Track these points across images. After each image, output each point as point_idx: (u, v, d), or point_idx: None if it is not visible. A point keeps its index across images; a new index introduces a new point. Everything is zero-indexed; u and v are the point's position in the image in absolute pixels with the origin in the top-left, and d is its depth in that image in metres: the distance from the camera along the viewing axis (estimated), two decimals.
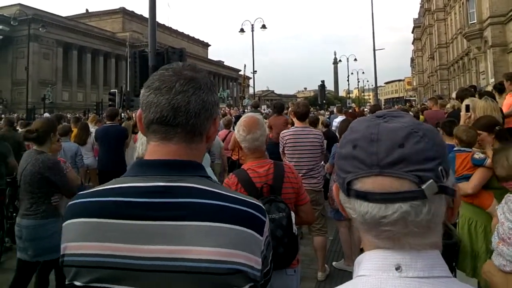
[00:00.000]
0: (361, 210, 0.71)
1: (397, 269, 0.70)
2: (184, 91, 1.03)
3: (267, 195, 2.43)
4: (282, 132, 5.11)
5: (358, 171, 0.72)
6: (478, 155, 3.16)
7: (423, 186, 0.68)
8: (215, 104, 1.10)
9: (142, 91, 1.08)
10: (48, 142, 3.81)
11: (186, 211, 0.96)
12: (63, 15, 59.83)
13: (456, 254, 3.16)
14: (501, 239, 2.16)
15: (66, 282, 1.01)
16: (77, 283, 0.98)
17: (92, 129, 8.58)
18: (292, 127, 5.10)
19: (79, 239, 0.99)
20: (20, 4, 46.02)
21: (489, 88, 9.33)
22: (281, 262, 2.35)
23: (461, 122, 4.09)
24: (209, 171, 4.72)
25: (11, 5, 46.30)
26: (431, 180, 0.68)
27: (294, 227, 2.42)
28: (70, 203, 1.06)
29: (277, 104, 7.95)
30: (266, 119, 9.77)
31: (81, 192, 1.08)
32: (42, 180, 3.57)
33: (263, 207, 1.07)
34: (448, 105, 7.71)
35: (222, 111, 23.40)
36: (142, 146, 3.15)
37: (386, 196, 0.69)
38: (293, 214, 2.44)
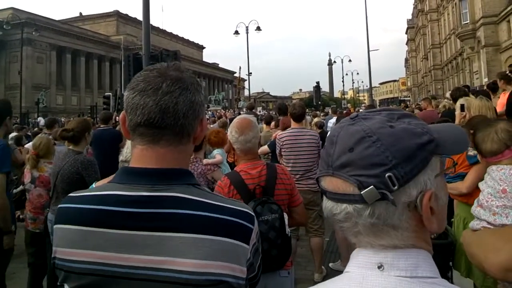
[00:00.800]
0: (324, 205, 0.78)
1: (379, 267, 0.72)
2: (171, 92, 1.01)
3: (259, 197, 2.43)
4: (279, 133, 5.11)
5: (322, 169, 0.78)
6: (472, 152, 3.17)
7: (362, 192, 0.70)
8: (201, 104, 1.08)
9: (125, 93, 1.05)
10: (83, 142, 3.85)
11: (170, 222, 0.96)
12: (57, 18, 59.73)
13: (452, 254, 3.16)
14: (479, 204, 2.22)
15: (58, 283, 1.03)
16: (67, 287, 1.00)
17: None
18: (289, 129, 5.10)
19: (68, 246, 1.00)
20: (13, 8, 45.88)
21: (484, 87, 9.41)
22: (274, 264, 2.36)
23: (456, 122, 4.09)
24: (225, 167, 4.68)
25: (4, 9, 46.12)
26: (371, 186, 0.69)
27: (287, 229, 2.42)
28: (60, 206, 1.07)
29: (281, 105, 8.05)
30: (261, 121, 9.79)
31: (71, 195, 1.08)
32: (80, 179, 3.57)
33: (252, 213, 1.05)
34: (440, 106, 7.74)
35: (217, 113, 23.45)
36: (127, 150, 3.09)
37: (335, 196, 0.74)
38: (286, 216, 2.43)
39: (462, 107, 3.95)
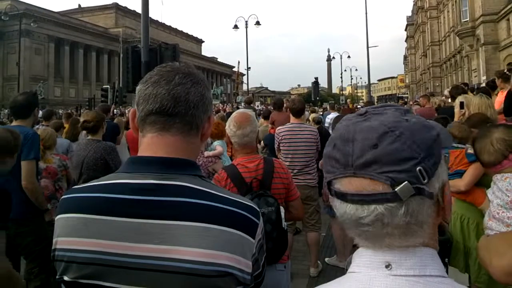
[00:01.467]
0: (341, 210, 0.72)
1: (386, 266, 0.70)
2: (184, 83, 1.04)
3: (256, 190, 2.44)
4: (278, 128, 5.12)
5: (336, 171, 0.72)
6: (471, 150, 3.18)
7: (397, 188, 0.66)
8: (211, 101, 1.12)
9: (138, 87, 1.08)
10: (101, 131, 4.16)
11: (176, 211, 0.95)
12: (55, 10, 59.30)
13: (449, 250, 3.18)
14: (492, 216, 2.19)
15: (57, 277, 1.01)
16: (66, 278, 0.98)
17: None
18: (288, 124, 5.10)
19: (70, 235, 0.98)
20: None
21: (482, 85, 9.44)
22: (270, 257, 2.36)
23: (455, 119, 4.10)
24: (226, 158, 4.67)
25: (2, 0, 45.78)
26: (405, 182, 0.66)
27: (284, 222, 2.43)
28: (64, 197, 1.06)
29: (278, 100, 8.17)
30: (259, 115, 9.79)
31: (75, 187, 1.08)
32: (105, 164, 3.86)
33: (258, 209, 1.05)
34: (432, 104, 7.75)
35: (215, 108, 23.41)
36: None
37: (361, 197, 0.68)
38: (282, 209, 2.44)
39: (462, 105, 3.96)
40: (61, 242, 1.00)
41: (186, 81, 1.05)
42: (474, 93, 6.60)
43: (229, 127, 2.60)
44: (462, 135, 3.42)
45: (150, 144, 1.04)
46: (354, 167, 0.69)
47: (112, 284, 0.94)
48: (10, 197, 2.68)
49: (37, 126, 9.02)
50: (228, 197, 1.01)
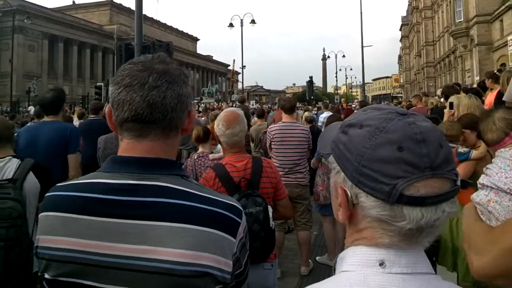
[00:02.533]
0: (415, 216, 0.68)
1: (380, 265, 0.70)
2: (159, 86, 0.99)
3: (244, 190, 2.44)
4: (270, 126, 5.13)
5: (409, 175, 0.67)
6: (462, 149, 3.21)
7: (458, 183, 0.71)
8: (189, 96, 1.07)
9: (110, 88, 1.04)
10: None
11: (155, 211, 0.95)
12: (49, 6, 58.79)
13: (436, 249, 3.20)
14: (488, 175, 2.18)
15: (39, 274, 1.02)
16: (47, 276, 0.98)
17: (76, 123, 8.47)
18: (280, 122, 5.12)
19: (50, 233, 0.99)
20: None
21: (475, 86, 9.52)
22: (258, 256, 2.37)
23: (445, 119, 4.13)
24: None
25: None
26: (459, 177, 0.72)
27: (271, 222, 2.44)
28: (47, 194, 1.06)
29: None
30: (253, 114, 9.79)
31: (58, 184, 1.07)
32: None
33: (240, 208, 1.04)
34: (428, 103, 7.78)
35: (210, 106, 23.36)
36: None
37: (438, 198, 0.68)
38: (270, 209, 2.45)
39: (451, 105, 3.99)
40: (43, 240, 1.00)
41: (161, 83, 0.99)
42: (465, 93, 6.64)
43: (218, 126, 2.59)
44: (451, 133, 3.45)
45: (128, 149, 1.03)
46: (433, 168, 0.68)
47: (91, 283, 0.94)
48: (50, 174, 2.75)
49: (29, 123, 8.98)
50: (209, 196, 1.01)
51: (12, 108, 31.48)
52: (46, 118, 3.76)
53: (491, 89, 6.09)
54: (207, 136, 4.19)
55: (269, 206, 2.45)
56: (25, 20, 36.69)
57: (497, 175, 2.10)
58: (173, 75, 1.03)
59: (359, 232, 0.75)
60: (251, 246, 2.34)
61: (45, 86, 50.83)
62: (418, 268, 0.70)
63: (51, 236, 0.98)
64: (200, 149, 4.11)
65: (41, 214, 1.03)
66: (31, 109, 25.04)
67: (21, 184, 2.52)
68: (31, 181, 2.59)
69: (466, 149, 3.22)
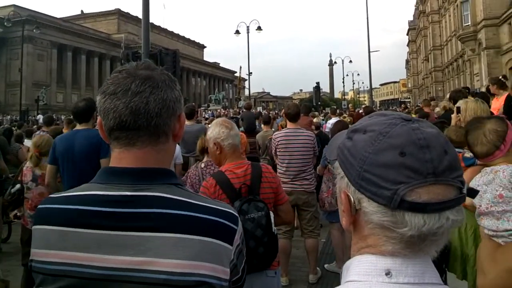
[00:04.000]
0: (417, 222, 0.66)
1: (387, 274, 0.68)
2: (141, 92, 0.98)
3: (245, 195, 2.44)
4: (275, 133, 5.12)
5: (411, 181, 0.66)
6: (469, 154, 3.16)
7: (464, 191, 0.69)
8: (176, 100, 1.05)
9: (97, 97, 1.04)
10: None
11: (151, 222, 0.94)
12: (58, 16, 59.63)
13: (447, 257, 3.15)
14: (481, 213, 2.19)
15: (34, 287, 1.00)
16: None
17: None
18: (284, 129, 5.10)
19: (45, 247, 0.98)
20: (14, 5, 45.94)
21: (483, 90, 9.43)
22: (261, 263, 2.37)
23: (452, 123, 4.08)
24: None
25: (5, 6, 46.13)
26: (466, 184, 0.70)
27: (274, 227, 2.44)
28: (39, 206, 1.05)
29: (305, 105, 9.17)
30: (256, 118, 9.78)
31: (51, 196, 1.07)
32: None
33: (236, 214, 1.04)
34: (437, 108, 7.71)
35: (217, 113, 23.47)
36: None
37: (442, 205, 0.66)
38: (272, 214, 2.45)
39: (458, 110, 3.94)
40: (37, 254, 0.99)
41: (144, 89, 0.98)
42: (473, 97, 6.58)
43: (220, 130, 2.58)
44: (460, 139, 3.41)
45: (120, 158, 1.02)
46: (436, 174, 0.66)
47: None
48: None
49: (37, 132, 9.05)
50: (204, 204, 1.00)
51: (21, 116, 31.84)
52: (78, 126, 3.98)
53: (496, 95, 6.03)
54: None
55: (270, 212, 2.45)
56: (34, 30, 37.18)
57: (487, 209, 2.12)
58: (156, 80, 1.01)
59: (364, 239, 0.74)
60: (255, 252, 2.34)
61: (54, 95, 51.60)
62: (426, 278, 0.68)
63: (45, 250, 0.97)
64: (206, 158, 4.05)
65: (34, 227, 1.02)
66: (40, 117, 25.32)
67: None
68: None
69: (472, 154, 3.17)
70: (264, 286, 2.44)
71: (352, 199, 0.73)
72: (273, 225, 2.42)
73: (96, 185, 1.01)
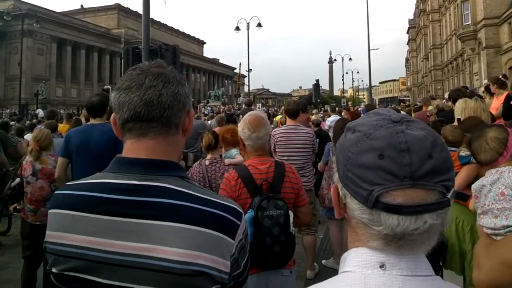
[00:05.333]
0: (391, 223, 0.69)
1: (381, 266, 0.71)
2: (154, 86, 1.05)
3: (266, 192, 2.43)
4: (274, 130, 5.14)
5: (387, 183, 0.69)
6: (464, 152, 3.19)
7: (449, 195, 0.70)
8: (186, 96, 1.11)
9: (113, 94, 1.10)
10: None
11: (156, 211, 0.98)
12: (58, 10, 59.43)
13: (443, 253, 3.19)
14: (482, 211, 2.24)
15: (47, 268, 1.06)
16: (54, 270, 1.03)
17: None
18: (284, 125, 5.12)
19: (59, 229, 1.04)
20: None
21: (482, 89, 9.44)
22: (277, 261, 2.36)
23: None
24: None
25: (5, 0, 45.90)
26: (453, 188, 0.71)
27: (292, 227, 2.41)
28: (57, 192, 1.12)
29: (302, 103, 8.59)
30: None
31: (68, 183, 1.13)
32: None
33: (240, 210, 1.07)
34: (431, 107, 7.71)
35: (216, 109, 23.42)
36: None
37: (418, 209, 0.68)
38: (291, 214, 2.43)
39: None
40: (52, 235, 1.05)
41: (157, 83, 1.05)
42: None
43: (243, 130, 2.58)
44: (455, 139, 3.45)
45: (131, 149, 1.07)
46: (414, 178, 0.68)
47: (94, 278, 0.99)
48: None
49: (38, 126, 9.06)
50: (209, 198, 1.04)
51: (20, 110, 31.79)
52: (93, 121, 4.01)
53: (496, 95, 6.06)
54: (217, 142, 4.11)
55: (290, 211, 2.43)
56: (34, 24, 36.99)
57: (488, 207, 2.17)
58: (168, 76, 1.09)
59: (355, 232, 0.77)
60: (270, 250, 2.34)
61: (53, 89, 51.46)
62: (419, 271, 0.71)
63: (59, 232, 1.03)
64: (210, 156, 4.01)
65: (51, 211, 1.08)
66: (39, 111, 25.30)
67: None
68: None
69: (467, 152, 3.20)
70: (279, 285, 2.43)
71: (340, 193, 0.78)
72: (291, 225, 2.40)
73: (108, 173, 1.06)
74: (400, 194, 0.68)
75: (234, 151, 4.52)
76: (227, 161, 4.14)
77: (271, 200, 2.38)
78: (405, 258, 0.71)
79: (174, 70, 1.13)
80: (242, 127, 2.62)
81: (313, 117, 9.55)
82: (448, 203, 0.69)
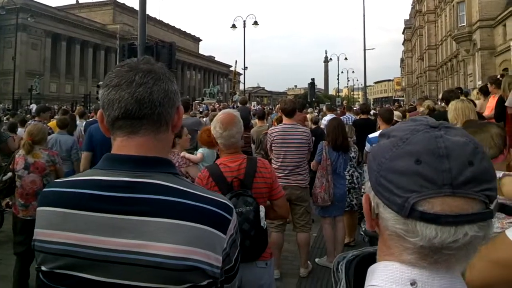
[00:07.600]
0: (428, 233, 0.63)
1: (412, 284, 0.66)
2: (145, 83, 1.04)
3: (237, 189, 2.49)
4: (270, 128, 5.15)
5: (424, 190, 0.64)
6: None
7: (492, 206, 0.64)
8: (176, 92, 1.11)
9: (100, 91, 1.08)
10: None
11: (149, 207, 0.98)
12: (53, 5, 58.89)
13: None
14: None
15: (35, 266, 1.05)
16: (44, 268, 1.02)
17: (78, 122, 8.51)
18: (281, 124, 5.13)
19: (48, 227, 1.02)
20: None
21: (475, 91, 9.49)
22: (248, 255, 2.41)
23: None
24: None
25: None
26: (496, 199, 0.66)
27: (263, 221, 2.48)
28: (45, 189, 1.10)
29: (299, 102, 8.95)
30: (254, 115, 9.80)
31: (56, 180, 1.12)
32: None
33: (231, 205, 1.08)
34: (422, 108, 7.73)
35: (211, 107, 23.37)
36: None
37: (458, 219, 0.63)
38: (262, 208, 2.50)
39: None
40: (40, 233, 1.04)
41: (147, 80, 1.04)
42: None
43: (215, 128, 2.63)
44: None
45: (121, 146, 1.07)
46: (454, 186, 0.63)
47: (85, 275, 0.98)
48: None
49: (31, 121, 9.01)
50: (201, 194, 1.04)
51: (14, 105, 31.57)
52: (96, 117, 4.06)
53: (494, 94, 6.10)
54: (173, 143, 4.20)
55: (261, 206, 2.50)
56: (29, 19, 36.78)
57: None
58: (158, 73, 1.08)
59: (386, 245, 0.73)
60: (242, 244, 2.37)
61: (47, 84, 51.11)
62: None
63: (48, 230, 1.02)
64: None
65: (40, 209, 1.06)
66: (33, 107, 25.12)
67: None
68: None
69: None
70: (254, 277, 2.50)
71: (372, 203, 0.73)
72: (262, 219, 2.47)
73: (99, 170, 1.06)
74: (438, 203, 0.63)
75: (200, 150, 4.64)
76: (182, 153, 4.21)
77: (240, 197, 2.45)
78: (439, 278, 0.66)
79: (163, 66, 1.13)
80: (214, 126, 2.66)
81: (308, 115, 9.56)
82: (491, 215, 0.64)
